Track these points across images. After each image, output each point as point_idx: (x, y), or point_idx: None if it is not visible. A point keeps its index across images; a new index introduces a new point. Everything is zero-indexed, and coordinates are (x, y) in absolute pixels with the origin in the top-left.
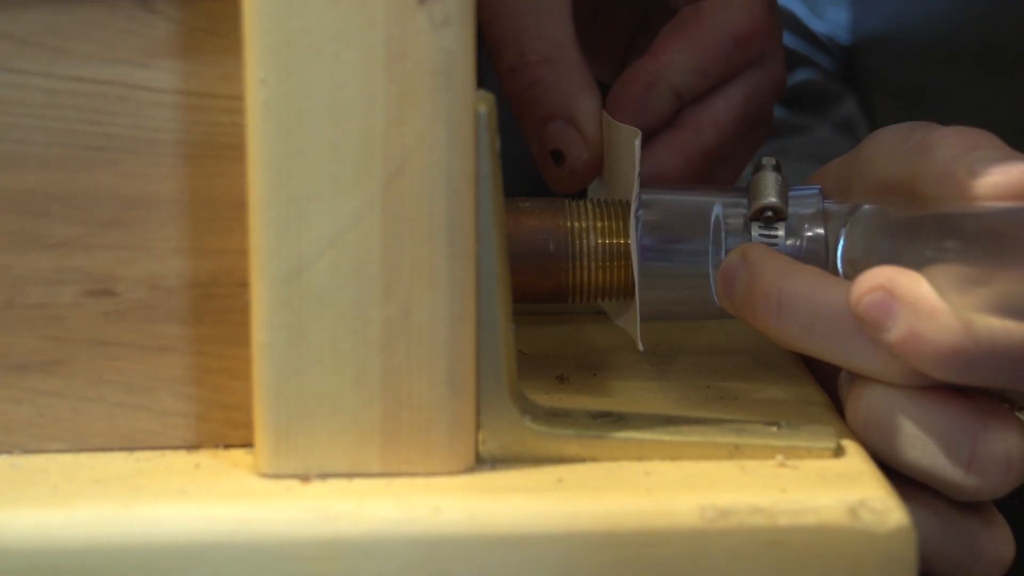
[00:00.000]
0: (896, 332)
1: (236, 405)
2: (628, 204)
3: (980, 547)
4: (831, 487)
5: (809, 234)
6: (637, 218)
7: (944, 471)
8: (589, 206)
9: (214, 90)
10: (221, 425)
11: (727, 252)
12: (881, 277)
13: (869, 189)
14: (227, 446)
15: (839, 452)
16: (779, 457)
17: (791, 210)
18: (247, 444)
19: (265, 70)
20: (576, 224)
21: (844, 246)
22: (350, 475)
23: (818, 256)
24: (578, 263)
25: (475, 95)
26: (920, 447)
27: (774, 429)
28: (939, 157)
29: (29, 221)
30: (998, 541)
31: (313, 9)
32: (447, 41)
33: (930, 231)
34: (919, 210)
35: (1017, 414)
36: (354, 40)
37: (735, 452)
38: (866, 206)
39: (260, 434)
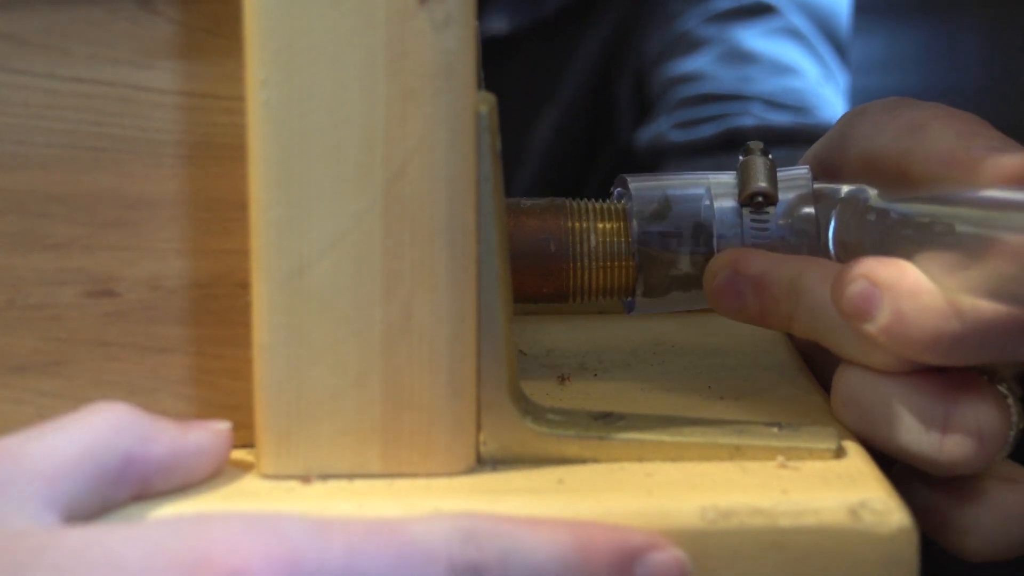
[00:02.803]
0: (881, 320)
1: (237, 406)
2: (628, 205)
3: (978, 517)
4: (832, 488)
5: (800, 214)
6: (629, 204)
7: (919, 447)
8: (590, 207)
9: (215, 91)
10: None
11: (717, 238)
12: (863, 267)
13: (856, 166)
14: None
15: (840, 453)
16: (780, 458)
17: (781, 193)
18: (248, 445)
19: (266, 71)
20: (577, 225)
21: (836, 227)
22: (351, 476)
23: (810, 237)
24: (579, 263)
25: (476, 96)
26: (895, 424)
27: (775, 430)
28: (935, 139)
29: (30, 222)
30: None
31: (314, 10)
32: (448, 42)
33: (921, 213)
34: (910, 192)
35: (998, 386)
36: (355, 41)
37: (736, 453)
38: (856, 187)
39: (261, 435)
